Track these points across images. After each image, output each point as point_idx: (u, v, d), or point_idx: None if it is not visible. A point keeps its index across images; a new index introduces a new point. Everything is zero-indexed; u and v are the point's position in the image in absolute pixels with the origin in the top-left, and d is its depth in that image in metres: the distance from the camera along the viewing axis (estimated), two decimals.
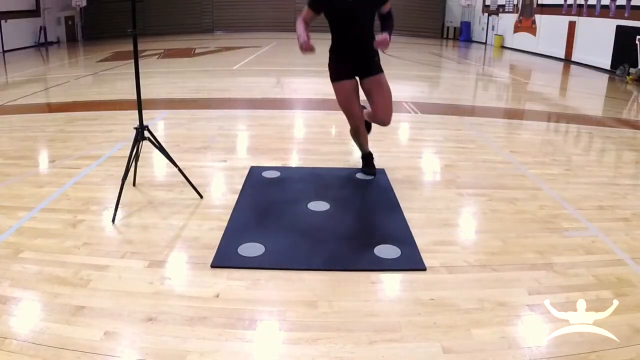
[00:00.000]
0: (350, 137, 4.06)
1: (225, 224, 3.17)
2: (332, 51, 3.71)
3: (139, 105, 3.44)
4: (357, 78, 3.73)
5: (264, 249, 2.85)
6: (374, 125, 4.21)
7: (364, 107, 3.93)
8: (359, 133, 3.91)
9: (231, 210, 3.37)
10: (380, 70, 3.72)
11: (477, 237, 3.17)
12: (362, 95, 3.80)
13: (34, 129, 5.58)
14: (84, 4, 19.34)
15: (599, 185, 4.08)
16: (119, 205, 3.26)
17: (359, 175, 4.09)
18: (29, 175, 4.06)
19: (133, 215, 3.32)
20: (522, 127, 6.42)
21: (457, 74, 11.91)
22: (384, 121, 3.81)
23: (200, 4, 22.81)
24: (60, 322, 2.18)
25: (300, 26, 3.52)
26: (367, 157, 4.13)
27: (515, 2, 17.81)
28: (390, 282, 2.60)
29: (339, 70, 3.69)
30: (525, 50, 16.77)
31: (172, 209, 3.41)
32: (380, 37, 3.31)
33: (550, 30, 15.46)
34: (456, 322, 2.24)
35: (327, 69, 3.75)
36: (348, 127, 3.92)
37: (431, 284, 2.57)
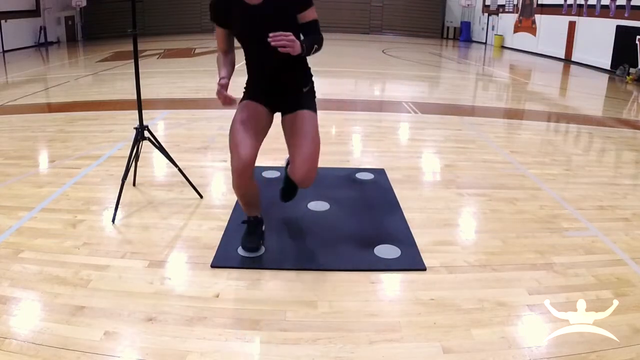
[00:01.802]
0: (348, 139, 3.18)
1: (225, 224, 3.17)
2: (248, 76, 2.72)
3: (139, 105, 3.44)
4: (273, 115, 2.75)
5: (264, 249, 2.85)
6: (371, 122, 3.81)
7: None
8: (246, 190, 2.66)
9: (231, 210, 3.37)
10: (305, 106, 2.64)
11: (477, 237, 3.17)
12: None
13: (34, 129, 5.58)
14: (84, 4, 19.33)
15: (599, 185, 4.08)
16: (119, 205, 3.26)
17: (359, 175, 4.09)
18: (29, 175, 4.06)
19: (133, 215, 3.32)
20: (522, 127, 6.42)
21: (457, 74, 11.91)
22: (302, 178, 2.60)
23: (200, 4, 22.79)
24: (60, 322, 2.18)
25: (219, 63, 2.63)
26: (256, 222, 2.84)
27: (515, 2, 17.82)
28: (390, 282, 2.60)
29: (252, 93, 2.70)
30: (525, 50, 16.78)
31: (172, 209, 3.41)
32: (288, 35, 2.26)
33: (550, 30, 15.46)
34: (456, 322, 2.24)
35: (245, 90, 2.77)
36: (348, 127, 3.89)
37: (431, 284, 2.57)
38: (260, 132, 2.67)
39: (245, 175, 2.57)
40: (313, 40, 2.43)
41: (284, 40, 2.25)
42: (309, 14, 2.47)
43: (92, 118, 6.07)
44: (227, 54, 2.67)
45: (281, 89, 2.66)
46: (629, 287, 2.55)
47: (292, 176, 2.69)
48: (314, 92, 2.80)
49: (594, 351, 2.05)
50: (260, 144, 2.67)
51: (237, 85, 2.80)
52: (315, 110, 2.72)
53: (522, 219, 3.37)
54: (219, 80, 2.49)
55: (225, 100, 2.43)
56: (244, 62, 2.67)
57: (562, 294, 2.46)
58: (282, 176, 3.16)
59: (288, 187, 3.10)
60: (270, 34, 2.25)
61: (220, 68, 2.60)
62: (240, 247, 2.83)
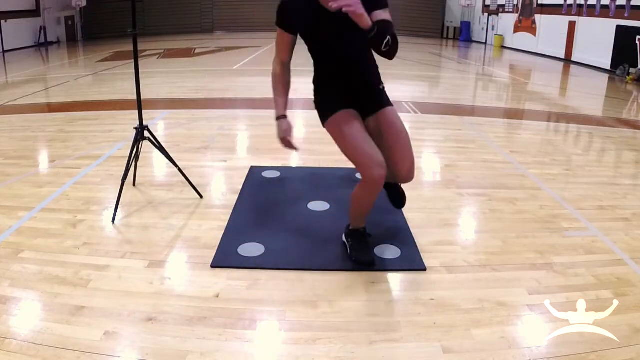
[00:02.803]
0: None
1: (225, 224, 3.17)
2: (317, 84, 2.59)
3: (139, 105, 3.44)
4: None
5: (264, 249, 2.85)
6: None
7: None
8: (374, 195, 2.57)
9: (231, 210, 3.37)
10: (389, 103, 2.60)
11: (477, 237, 3.17)
12: None
13: (34, 129, 5.58)
14: (84, 4, 19.33)
15: (599, 185, 4.08)
16: (119, 205, 3.26)
17: (359, 175, 4.08)
18: (29, 175, 4.06)
19: (133, 215, 3.32)
20: (522, 127, 6.42)
21: (457, 74, 11.91)
22: (406, 175, 2.57)
23: (200, 4, 22.81)
24: (60, 322, 2.18)
25: (276, 90, 2.53)
26: (362, 235, 2.78)
27: (515, 2, 17.81)
28: (390, 282, 2.60)
29: (332, 102, 2.53)
30: (525, 50, 16.77)
31: (172, 209, 3.41)
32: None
33: (550, 30, 15.46)
34: (456, 322, 2.24)
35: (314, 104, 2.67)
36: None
37: (431, 284, 2.57)
38: (367, 133, 2.52)
39: (382, 178, 2.43)
40: (386, 27, 2.21)
41: (353, 8, 2.06)
42: (383, 14, 2.28)
43: (92, 118, 6.07)
44: (285, 69, 2.54)
45: (361, 86, 2.55)
46: (629, 287, 2.55)
47: (398, 173, 2.58)
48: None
49: (594, 351, 2.05)
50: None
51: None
52: (393, 104, 2.63)
53: (522, 219, 3.37)
54: (280, 118, 2.43)
55: (289, 147, 2.41)
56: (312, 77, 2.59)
57: (562, 294, 2.46)
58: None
59: (393, 193, 2.94)
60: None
61: (278, 96, 2.49)
62: (240, 246, 2.84)
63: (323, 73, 2.56)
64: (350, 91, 2.52)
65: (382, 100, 2.57)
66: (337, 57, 2.46)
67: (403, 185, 2.85)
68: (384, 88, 2.63)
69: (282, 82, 2.54)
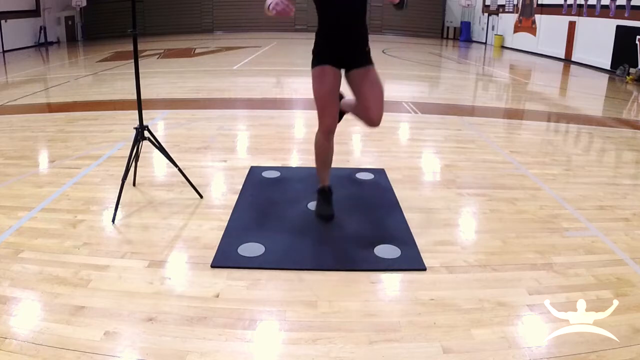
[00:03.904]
0: (348, 139, 3.55)
1: (225, 224, 3.17)
2: (318, 35, 3.04)
3: (139, 105, 3.44)
4: (343, 71, 3.08)
5: (264, 249, 2.85)
6: (368, 133, 3.89)
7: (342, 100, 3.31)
8: (328, 146, 3.15)
9: (231, 210, 3.37)
10: (371, 62, 3.08)
11: (477, 237, 3.17)
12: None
13: (34, 129, 5.58)
14: (84, 4, 19.34)
15: (599, 185, 4.08)
16: (119, 205, 3.26)
17: (359, 175, 4.09)
18: (29, 175, 4.06)
19: (133, 215, 3.32)
20: (522, 127, 6.42)
21: (457, 74, 11.91)
22: (375, 119, 3.09)
23: (200, 4, 22.80)
24: (60, 322, 2.18)
25: None
26: (327, 192, 3.30)
27: (515, 2, 17.82)
28: (390, 282, 2.60)
29: (324, 55, 2.99)
30: (525, 50, 16.78)
31: (172, 209, 3.41)
32: None
33: (550, 30, 15.46)
34: (456, 322, 2.24)
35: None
36: (348, 127, 3.89)
37: (431, 284, 2.57)
38: (337, 92, 3.10)
39: (331, 136, 3.11)
40: None
41: None
42: None
43: (92, 118, 6.07)
44: None
45: (352, 47, 3.00)
46: (629, 287, 2.55)
47: (365, 118, 3.15)
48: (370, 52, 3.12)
49: (594, 351, 2.05)
50: (339, 101, 3.15)
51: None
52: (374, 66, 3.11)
53: (522, 219, 3.37)
54: None
55: (286, 8, 2.58)
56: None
57: (562, 294, 2.46)
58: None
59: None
60: None
61: None
62: (240, 246, 2.84)
63: (324, 27, 2.99)
64: (341, 46, 2.97)
65: (366, 60, 3.05)
66: (338, 16, 2.91)
67: None
68: (369, 50, 3.09)
69: None
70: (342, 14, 2.89)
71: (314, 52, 3.05)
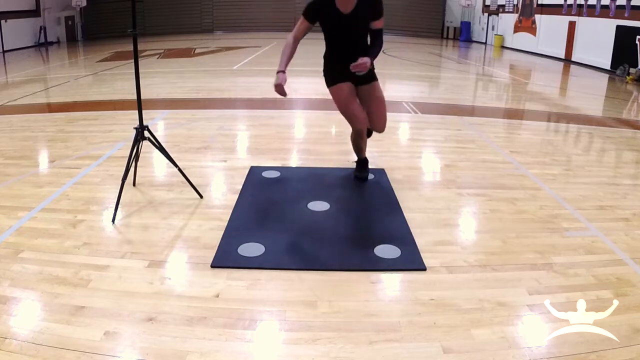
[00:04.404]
0: (348, 139, 3.94)
1: (225, 224, 3.17)
2: (327, 59, 3.67)
3: (139, 105, 3.44)
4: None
5: (264, 249, 2.85)
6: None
7: None
8: (361, 137, 3.82)
9: (231, 210, 3.37)
10: (376, 79, 3.68)
11: (477, 237, 3.17)
12: None
13: (34, 129, 5.58)
14: (84, 4, 19.34)
15: (599, 185, 4.08)
16: (119, 205, 3.26)
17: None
18: (29, 175, 4.06)
19: (133, 215, 3.32)
20: (522, 127, 6.42)
21: (457, 74, 11.91)
22: (380, 129, 3.80)
23: (200, 4, 22.81)
24: (60, 322, 2.18)
25: (284, 54, 3.44)
26: (364, 162, 4.07)
27: (515, 2, 17.82)
28: (390, 282, 2.60)
29: (335, 74, 3.61)
30: (525, 50, 16.78)
31: (172, 209, 3.41)
32: (361, 59, 3.22)
33: (550, 30, 15.47)
34: (456, 322, 2.24)
35: (323, 74, 3.73)
36: (348, 127, 3.92)
37: (431, 284, 2.57)
38: (356, 100, 3.65)
39: (364, 130, 3.74)
40: (376, 51, 3.45)
41: (363, 67, 3.22)
42: (378, 24, 3.47)
43: (92, 118, 6.07)
44: (295, 43, 3.50)
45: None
46: (629, 287, 2.55)
47: (373, 127, 3.82)
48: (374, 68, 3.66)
49: (594, 351, 2.05)
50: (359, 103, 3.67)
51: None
52: (378, 79, 3.73)
53: (522, 219, 3.37)
54: (279, 72, 3.36)
55: (282, 93, 3.36)
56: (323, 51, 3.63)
57: (562, 294, 2.46)
58: None
59: (369, 132, 4.03)
60: (352, 65, 3.21)
61: (284, 59, 3.43)
62: (240, 246, 2.84)
63: (331, 52, 3.63)
64: (348, 70, 3.35)
65: (371, 77, 3.64)
66: (344, 44, 3.54)
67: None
68: (373, 67, 3.59)
69: (290, 49, 3.46)
70: (346, 46, 3.52)
71: (325, 73, 3.70)
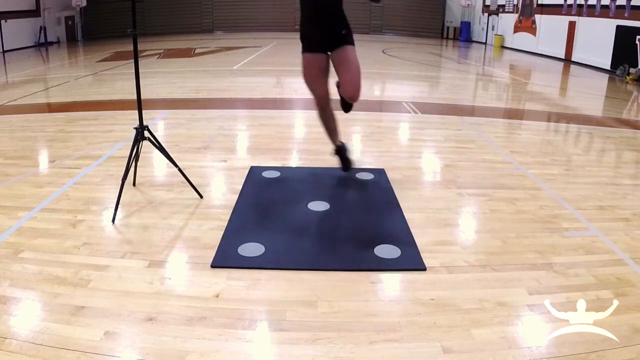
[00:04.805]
0: (348, 139, 3.89)
1: (225, 224, 3.17)
2: (300, 24, 3.55)
3: (139, 105, 3.44)
4: (329, 54, 3.55)
5: (264, 249, 2.85)
6: (371, 122, 4.15)
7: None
8: (326, 116, 3.68)
9: (231, 210, 3.37)
10: (348, 43, 3.48)
11: (477, 237, 3.17)
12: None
13: (34, 129, 5.58)
14: (84, 4, 19.34)
15: (599, 185, 4.08)
16: (119, 205, 3.26)
17: (359, 175, 4.09)
18: (29, 175, 4.06)
19: (133, 215, 3.32)
20: (522, 127, 6.42)
21: (457, 74, 11.91)
22: (352, 96, 3.50)
23: (200, 4, 22.80)
24: (60, 322, 2.18)
25: None
26: (340, 150, 3.90)
27: (515, 2, 17.81)
28: (390, 282, 2.60)
29: (307, 42, 3.53)
30: (525, 50, 16.77)
31: (172, 209, 3.41)
32: None
33: (550, 30, 15.46)
34: (456, 322, 2.24)
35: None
36: (348, 127, 3.92)
37: (431, 284, 2.57)
38: (324, 72, 3.57)
39: (326, 107, 3.65)
40: None
41: None
42: None
43: (92, 118, 6.07)
44: None
45: (328, 32, 3.44)
46: (629, 287, 2.55)
47: (344, 94, 3.55)
48: (351, 33, 3.54)
49: (594, 351, 2.05)
50: (328, 79, 3.61)
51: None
52: (354, 45, 3.52)
53: (522, 219, 3.37)
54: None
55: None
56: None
57: (562, 294, 2.46)
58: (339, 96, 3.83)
59: (343, 102, 3.80)
60: None
61: None
62: (240, 246, 2.84)
63: (303, 16, 3.51)
64: (318, 32, 3.44)
65: (342, 41, 3.46)
66: (314, 7, 3.42)
67: None
68: (345, 32, 3.48)
69: None
70: (317, 5, 3.39)
71: (300, 39, 3.57)
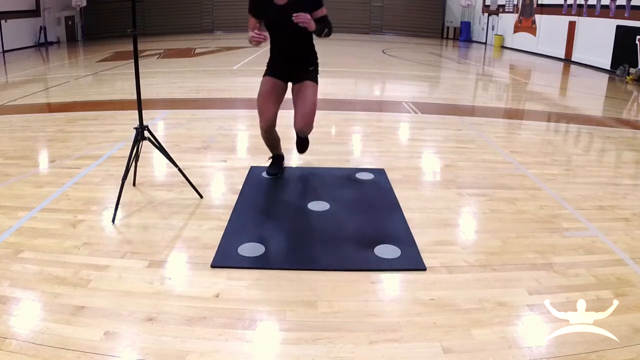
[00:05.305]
0: (348, 139, 3.95)
1: (225, 224, 3.17)
2: (270, 52, 3.68)
3: (139, 105, 3.44)
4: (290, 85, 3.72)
5: (264, 249, 2.85)
6: (371, 122, 4.16)
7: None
8: (271, 137, 3.83)
9: (231, 210, 3.37)
10: (311, 79, 3.64)
11: (477, 237, 3.17)
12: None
13: (34, 129, 5.58)
14: (84, 4, 19.34)
15: (599, 185, 4.08)
16: (119, 205, 3.26)
17: (359, 175, 4.09)
18: (29, 175, 4.06)
19: (133, 215, 3.32)
20: (522, 127, 6.42)
21: (457, 74, 11.91)
22: (301, 130, 3.68)
23: (200, 4, 22.80)
24: (60, 322, 2.18)
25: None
26: (277, 158, 4.09)
27: (515, 2, 17.82)
28: (390, 282, 2.60)
29: (272, 69, 3.68)
30: (525, 50, 16.78)
31: (172, 209, 3.41)
32: (307, 15, 3.22)
33: (550, 30, 15.47)
34: (456, 322, 2.24)
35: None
36: (348, 127, 3.92)
37: (431, 284, 2.57)
38: (278, 99, 3.69)
39: (268, 130, 3.74)
40: (324, 25, 3.42)
41: (303, 19, 3.20)
42: (320, 12, 3.44)
43: (92, 118, 6.07)
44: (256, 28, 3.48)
45: (294, 66, 3.61)
46: (629, 287, 2.55)
47: (295, 126, 3.66)
48: (318, 70, 3.71)
49: (594, 351, 2.05)
50: (279, 106, 3.71)
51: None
52: (316, 82, 3.68)
53: (522, 219, 3.37)
54: (251, 30, 3.37)
55: (259, 37, 3.25)
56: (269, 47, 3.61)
57: (562, 294, 2.46)
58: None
59: (298, 140, 4.00)
60: (294, 14, 3.17)
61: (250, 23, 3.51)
62: (240, 246, 2.84)
63: (272, 48, 3.64)
64: (284, 65, 3.62)
65: (306, 77, 3.62)
66: (283, 38, 3.53)
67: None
68: (313, 69, 3.66)
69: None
70: (285, 43, 3.54)
71: (266, 64, 3.73)
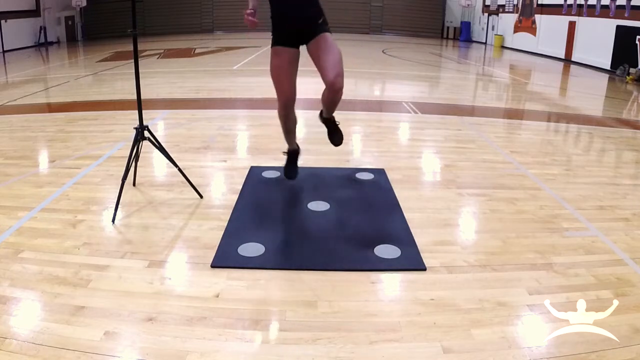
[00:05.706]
0: (348, 139, 3.75)
1: (225, 224, 3.17)
2: (272, 17, 3.25)
3: (139, 105, 3.44)
4: (304, 47, 3.28)
5: (264, 249, 2.85)
6: (371, 122, 4.10)
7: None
8: (289, 117, 3.42)
9: (231, 210, 3.37)
10: (324, 30, 3.19)
11: (477, 237, 3.17)
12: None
13: (34, 129, 5.58)
14: (84, 4, 19.33)
15: (599, 185, 4.08)
16: (119, 205, 3.26)
17: (359, 175, 4.09)
18: (29, 175, 4.06)
19: (133, 215, 3.32)
20: (522, 127, 6.42)
21: (457, 74, 11.91)
22: (335, 83, 3.12)
23: (200, 4, 22.80)
24: (60, 322, 2.18)
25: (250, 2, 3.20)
26: (293, 153, 3.76)
27: (515, 2, 17.82)
28: (390, 282, 2.60)
29: (278, 36, 3.23)
30: (525, 50, 16.78)
31: (172, 209, 3.41)
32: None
33: (550, 30, 15.46)
34: (456, 322, 2.24)
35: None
36: (348, 127, 3.90)
37: (431, 284, 2.57)
38: (294, 69, 3.29)
39: (289, 105, 3.35)
40: None
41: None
42: None
43: (92, 118, 6.07)
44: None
45: (303, 23, 3.17)
46: (629, 287, 2.55)
47: (325, 82, 3.15)
48: (327, 22, 3.25)
49: (594, 351, 2.05)
50: (296, 78, 3.32)
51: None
52: (330, 32, 3.23)
53: (522, 219, 3.37)
54: (248, 9, 3.09)
55: (252, 24, 3.04)
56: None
57: (562, 294, 2.46)
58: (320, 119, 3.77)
59: (329, 129, 3.73)
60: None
61: (250, 1, 3.18)
62: (240, 246, 2.84)
63: (275, 8, 3.21)
64: (293, 24, 3.17)
65: (319, 30, 3.17)
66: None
67: None
68: (322, 21, 3.21)
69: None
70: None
71: (272, 32, 3.26)
